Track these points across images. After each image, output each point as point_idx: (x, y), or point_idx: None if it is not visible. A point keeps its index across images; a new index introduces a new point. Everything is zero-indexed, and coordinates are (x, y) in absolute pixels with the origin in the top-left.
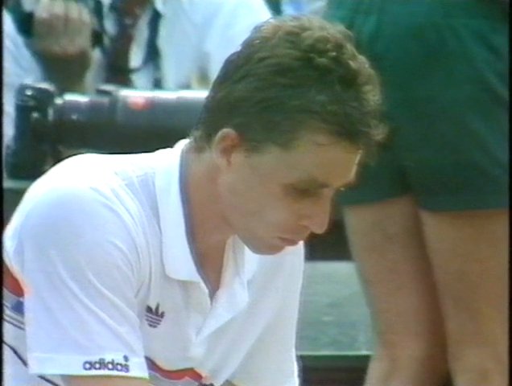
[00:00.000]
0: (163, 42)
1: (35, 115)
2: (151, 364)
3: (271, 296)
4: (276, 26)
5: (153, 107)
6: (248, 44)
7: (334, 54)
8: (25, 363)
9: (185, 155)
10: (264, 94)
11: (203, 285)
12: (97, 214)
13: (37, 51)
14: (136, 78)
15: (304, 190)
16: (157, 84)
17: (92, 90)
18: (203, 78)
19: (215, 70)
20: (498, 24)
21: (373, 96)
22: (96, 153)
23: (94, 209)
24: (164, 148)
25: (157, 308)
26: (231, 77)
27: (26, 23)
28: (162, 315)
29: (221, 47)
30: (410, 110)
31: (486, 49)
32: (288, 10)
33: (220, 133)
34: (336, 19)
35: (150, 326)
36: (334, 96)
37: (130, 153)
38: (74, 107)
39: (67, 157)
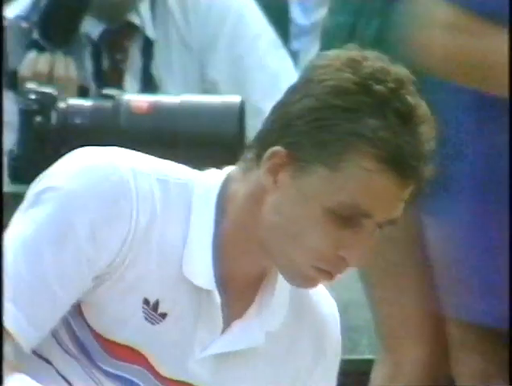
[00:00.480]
0: (158, 69)
1: (38, 119)
2: (150, 369)
3: (297, 358)
4: (339, 54)
5: (156, 111)
6: (309, 69)
7: (393, 85)
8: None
9: (230, 174)
10: (318, 114)
11: (217, 295)
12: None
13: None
14: None
15: (346, 218)
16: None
17: (95, 95)
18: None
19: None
20: None
21: (428, 137)
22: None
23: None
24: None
25: (155, 305)
26: (289, 99)
27: (12, 80)
28: (163, 316)
29: (228, 71)
30: None
31: None
32: (296, 12)
33: (269, 151)
34: (338, 24)
35: (147, 320)
36: (387, 125)
37: None
38: (77, 111)
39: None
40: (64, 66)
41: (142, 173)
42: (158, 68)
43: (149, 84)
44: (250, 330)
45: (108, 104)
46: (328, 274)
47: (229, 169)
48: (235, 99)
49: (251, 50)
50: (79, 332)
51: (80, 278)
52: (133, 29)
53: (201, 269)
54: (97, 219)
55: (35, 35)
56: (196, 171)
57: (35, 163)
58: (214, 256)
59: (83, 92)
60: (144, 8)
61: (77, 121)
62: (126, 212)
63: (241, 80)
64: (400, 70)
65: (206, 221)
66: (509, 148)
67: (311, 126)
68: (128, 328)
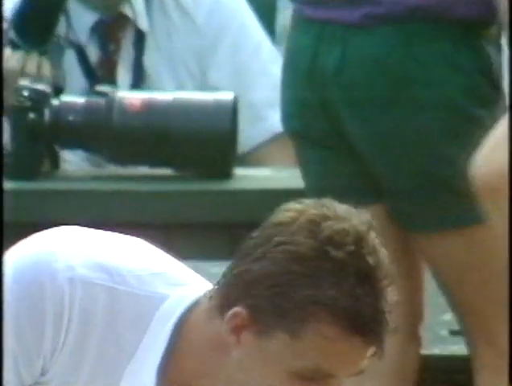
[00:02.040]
0: (151, 62)
1: (32, 116)
2: None
3: None
4: (299, 212)
5: (149, 108)
6: (270, 225)
7: (352, 248)
8: None
9: (199, 300)
10: (276, 280)
11: None
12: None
13: None
14: None
15: (310, 378)
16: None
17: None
18: None
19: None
20: (460, 43)
21: (388, 292)
22: (91, 153)
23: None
24: (160, 149)
25: None
26: (250, 254)
27: None
28: None
29: (231, 77)
30: (380, 139)
31: (451, 70)
32: (283, 4)
33: (231, 312)
34: (301, 46)
35: None
36: (347, 291)
37: (125, 154)
38: (70, 108)
39: (61, 158)
40: (37, 64)
41: (86, 281)
42: (150, 61)
43: (140, 76)
44: None
45: (101, 101)
46: None
47: (203, 289)
48: (228, 96)
49: (255, 57)
50: None
51: (19, 380)
52: (125, 20)
53: None
54: (25, 328)
55: (11, 34)
56: (180, 277)
57: (27, 160)
58: (159, 378)
59: (57, 92)
60: (138, 0)
61: (70, 117)
62: (55, 324)
63: (243, 85)
64: (361, 222)
65: (159, 342)
66: (509, 147)
67: (271, 292)
68: None
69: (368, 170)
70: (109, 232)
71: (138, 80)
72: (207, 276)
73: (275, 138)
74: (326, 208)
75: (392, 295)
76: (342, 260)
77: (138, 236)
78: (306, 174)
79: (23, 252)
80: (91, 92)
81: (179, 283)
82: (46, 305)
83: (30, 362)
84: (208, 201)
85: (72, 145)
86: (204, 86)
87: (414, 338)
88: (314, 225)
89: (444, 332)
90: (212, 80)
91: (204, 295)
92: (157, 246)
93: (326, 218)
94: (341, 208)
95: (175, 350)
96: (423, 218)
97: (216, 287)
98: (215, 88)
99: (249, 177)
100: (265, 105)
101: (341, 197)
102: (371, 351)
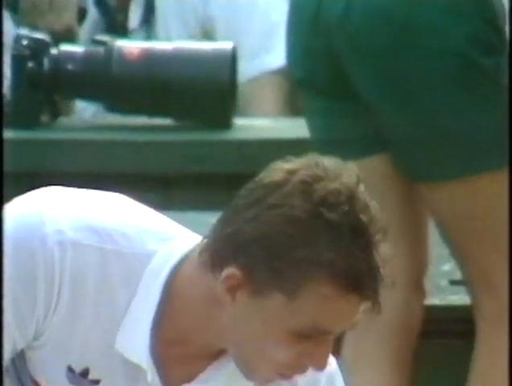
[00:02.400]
0: (161, 1)
1: (31, 64)
2: None
3: None
4: (290, 172)
5: (148, 58)
6: (260, 185)
7: (346, 208)
8: None
9: (188, 255)
10: (272, 241)
11: (150, 375)
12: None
13: (23, 27)
14: (134, 37)
15: (306, 335)
16: (151, 36)
17: (88, 40)
18: (207, 39)
19: (219, 34)
20: None
21: (382, 245)
22: (90, 102)
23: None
24: (159, 99)
25: (84, 372)
26: (241, 213)
27: (13, 3)
28: (96, 382)
29: (226, 12)
30: (385, 88)
31: (454, 18)
32: None
33: (225, 272)
34: (303, 2)
35: (72, 384)
36: (343, 250)
37: (125, 103)
38: (69, 57)
39: (62, 106)
40: None
41: (75, 243)
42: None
43: (149, 14)
44: None
45: (100, 50)
46: (288, 376)
47: (191, 243)
48: (227, 46)
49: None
50: (19, 368)
51: (12, 343)
52: None
53: (137, 347)
54: (18, 293)
55: None
56: (165, 227)
57: (27, 108)
58: (154, 334)
59: (82, 15)
60: None
61: (69, 67)
62: (46, 288)
63: (239, 22)
64: (350, 177)
65: (151, 298)
66: (510, 147)
67: (266, 253)
68: None
69: (373, 120)
70: (92, 190)
71: (147, 18)
72: (207, 226)
73: (263, 76)
74: (316, 167)
75: (386, 249)
76: (337, 221)
77: (136, 186)
78: (311, 124)
79: (10, 218)
80: (90, 41)
81: (167, 238)
82: (37, 270)
83: (23, 326)
84: (208, 151)
85: (71, 94)
86: (204, 19)
87: (418, 288)
88: (306, 186)
89: (444, 282)
90: (210, 10)
91: (194, 249)
92: (155, 196)
93: (318, 178)
94: (331, 165)
95: (168, 305)
96: (426, 167)
97: (205, 241)
98: (211, 20)
99: (248, 127)
100: (257, 47)
101: (346, 147)
102: (367, 305)
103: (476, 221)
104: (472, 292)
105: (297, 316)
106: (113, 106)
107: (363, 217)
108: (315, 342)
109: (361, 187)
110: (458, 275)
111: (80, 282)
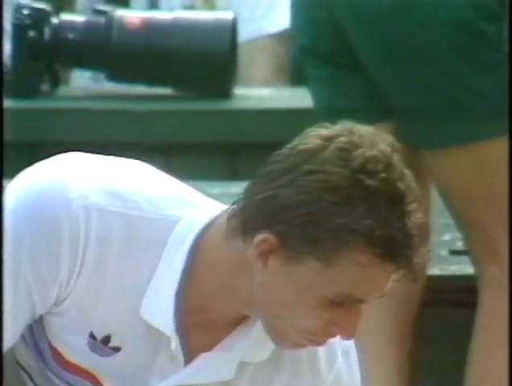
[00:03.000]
0: None
1: (32, 34)
2: (95, 382)
3: None
4: (326, 139)
5: (149, 27)
6: (295, 151)
7: (384, 175)
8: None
9: (214, 221)
10: (309, 209)
11: (174, 343)
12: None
13: None
14: (136, 7)
15: (339, 303)
16: (154, 6)
17: (88, 10)
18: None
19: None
20: None
21: (417, 213)
22: (91, 71)
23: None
24: (160, 68)
25: (106, 339)
26: (276, 180)
27: None
28: (116, 350)
29: None
30: (387, 56)
31: None
32: None
33: (259, 237)
34: None
35: (93, 352)
36: (380, 218)
37: (125, 72)
38: (70, 26)
39: (63, 76)
40: None
41: (100, 209)
42: None
43: None
44: (218, 363)
45: (100, 19)
46: (317, 343)
47: (217, 210)
48: (228, 15)
49: None
50: (37, 333)
51: (31, 308)
52: None
53: (161, 314)
54: (41, 256)
55: None
56: (188, 196)
57: (27, 77)
58: (178, 301)
59: None
60: None
61: (70, 36)
62: (71, 252)
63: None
64: (386, 145)
65: (176, 264)
66: (510, 146)
67: (303, 220)
68: (76, 353)
69: (376, 88)
70: (113, 157)
71: None
72: (207, 196)
73: (259, 40)
74: (353, 134)
75: (420, 218)
76: (375, 188)
77: (136, 156)
78: (314, 93)
79: (35, 182)
80: (90, 10)
81: (191, 204)
82: (62, 235)
83: (45, 290)
84: (208, 121)
85: (71, 63)
86: None
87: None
88: (345, 153)
89: (444, 252)
90: None
91: (220, 216)
92: (156, 166)
93: (356, 145)
94: (366, 132)
95: (193, 272)
96: (428, 135)
97: (233, 208)
98: None
99: (248, 96)
100: (255, 11)
101: (350, 116)
102: (400, 273)
103: (479, 188)
104: (475, 261)
105: (331, 283)
106: (113, 75)
107: (400, 185)
108: (346, 310)
109: (396, 155)
110: (458, 245)
111: (105, 248)
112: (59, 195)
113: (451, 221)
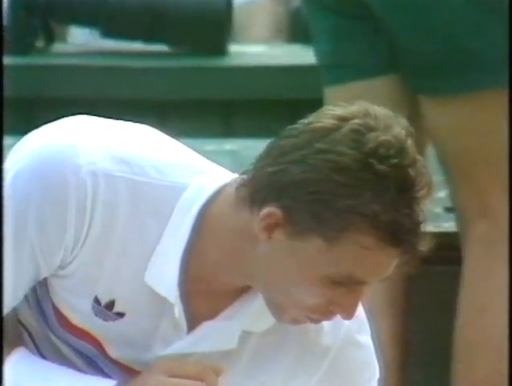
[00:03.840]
0: None
1: None
2: (100, 350)
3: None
4: (341, 119)
5: None
6: (311, 128)
7: (395, 161)
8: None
9: (221, 190)
10: (318, 187)
11: (178, 310)
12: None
13: None
14: None
15: (340, 282)
16: None
17: None
18: None
19: None
20: None
21: (424, 201)
22: (86, 28)
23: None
24: (155, 24)
25: (110, 304)
26: (287, 155)
27: None
28: (120, 315)
29: None
30: (398, 2)
31: None
32: None
33: (266, 210)
34: None
35: (97, 317)
36: (388, 203)
37: (120, 29)
38: None
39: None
40: None
41: (107, 174)
42: None
43: None
44: (221, 331)
45: None
46: (316, 321)
47: (225, 178)
48: None
49: None
50: (40, 295)
51: (35, 270)
52: None
53: (165, 280)
54: (47, 220)
55: None
56: (197, 162)
57: (22, 34)
58: (182, 269)
59: None
60: None
61: None
62: (77, 217)
63: None
64: (401, 129)
65: (182, 232)
66: (509, 145)
67: (311, 198)
68: (80, 316)
69: (383, 39)
70: (121, 121)
71: None
72: (201, 154)
73: (258, 1)
74: (368, 116)
75: (428, 204)
76: (385, 173)
77: (131, 112)
78: (318, 45)
79: (43, 146)
80: None
81: (198, 171)
82: (69, 198)
83: (49, 254)
84: (203, 78)
85: (66, 19)
86: None
87: None
88: (358, 135)
89: (439, 209)
90: None
91: (228, 184)
92: (151, 123)
93: (370, 128)
94: (382, 115)
95: (198, 240)
96: (436, 82)
97: (243, 177)
98: None
99: (244, 53)
100: None
101: (353, 67)
102: (404, 259)
103: (478, 138)
104: (463, 216)
105: (334, 263)
106: (108, 32)
107: (411, 172)
108: (347, 291)
109: (410, 140)
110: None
111: (111, 213)
112: (68, 159)
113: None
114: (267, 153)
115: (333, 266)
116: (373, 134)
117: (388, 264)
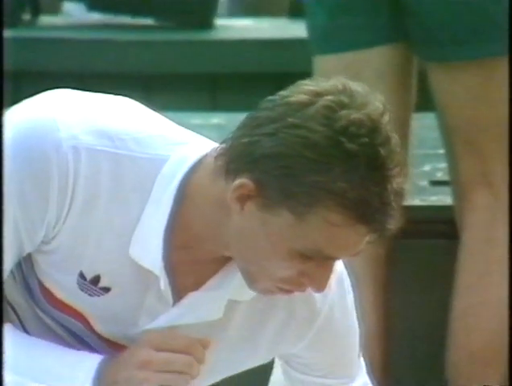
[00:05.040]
0: None
1: None
2: (87, 326)
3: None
4: (315, 94)
5: None
6: (285, 102)
7: (366, 140)
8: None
9: (202, 160)
10: (287, 162)
11: (163, 282)
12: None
13: None
14: None
15: (309, 256)
16: None
17: None
18: None
19: None
20: None
21: (397, 180)
22: (72, 1)
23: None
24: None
25: (95, 279)
26: (261, 127)
27: None
28: (106, 290)
29: None
30: None
31: None
32: None
33: (239, 181)
34: None
35: (83, 291)
36: (357, 181)
37: (107, 2)
38: None
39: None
40: None
41: (89, 148)
42: None
43: None
44: (207, 301)
45: None
46: (288, 292)
47: (206, 148)
48: None
49: None
50: (26, 270)
51: (19, 246)
52: None
53: (149, 253)
54: (29, 196)
55: None
56: (177, 133)
57: (8, 6)
58: (166, 241)
59: None
60: None
61: None
62: (60, 193)
63: None
64: (376, 108)
65: (164, 204)
66: (509, 144)
67: (280, 172)
68: (65, 292)
69: (385, 7)
70: (101, 94)
71: None
72: (188, 128)
73: None
74: (343, 93)
75: (400, 183)
76: (355, 152)
77: (117, 86)
78: (313, 15)
79: (23, 120)
80: None
81: (179, 142)
82: (51, 173)
83: (32, 228)
84: (190, 52)
85: None
86: None
87: None
88: (330, 112)
89: (425, 183)
90: None
91: (209, 154)
92: (137, 97)
93: (343, 105)
94: (357, 91)
95: (181, 211)
96: (449, 48)
97: (222, 147)
98: None
99: (230, 27)
100: None
101: (351, 37)
102: (374, 236)
103: (486, 106)
104: (464, 186)
105: (302, 238)
106: (96, 5)
107: (382, 151)
108: (318, 265)
109: (385, 118)
110: (438, 175)
111: (94, 188)
112: (49, 133)
113: (431, 152)
114: (244, 123)
115: (302, 241)
116: (345, 112)
117: (357, 241)
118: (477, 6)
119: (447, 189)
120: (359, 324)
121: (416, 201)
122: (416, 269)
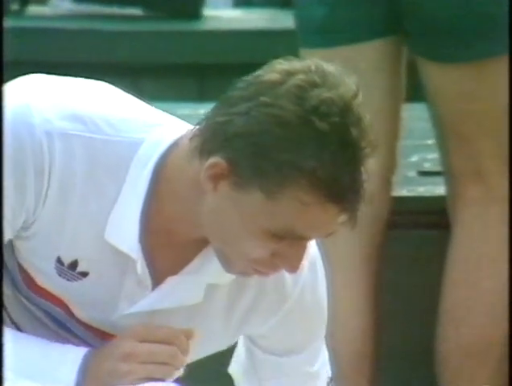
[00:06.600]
0: None
1: None
2: (67, 311)
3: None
4: (287, 73)
5: None
6: (258, 81)
7: (336, 119)
8: None
9: (178, 142)
10: (258, 140)
11: (140, 265)
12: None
13: None
14: None
15: (282, 236)
16: None
17: None
18: None
19: None
20: None
21: (368, 161)
22: None
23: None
24: None
25: (73, 264)
26: (234, 106)
27: None
28: (84, 275)
29: None
30: None
31: None
32: None
33: (211, 160)
34: None
35: (61, 277)
36: (327, 160)
37: None
38: None
39: None
40: None
41: (63, 133)
42: None
43: None
44: (186, 286)
45: None
46: (263, 273)
47: (182, 129)
48: None
49: None
50: (6, 256)
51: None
52: None
53: (126, 236)
54: (6, 181)
55: None
56: (152, 115)
57: None
58: (142, 224)
59: None
60: None
61: None
62: (36, 179)
63: None
64: (348, 88)
65: (140, 187)
66: (509, 144)
67: (251, 150)
68: (44, 277)
69: (383, 3)
70: (75, 79)
71: None
72: (176, 117)
73: None
74: (315, 73)
75: (371, 164)
76: (326, 131)
77: (105, 76)
78: (307, 8)
79: None
80: None
81: (154, 124)
82: (26, 160)
83: (12, 216)
84: (178, 42)
85: None
86: None
87: (387, 182)
88: (301, 91)
89: (413, 173)
90: None
91: (184, 136)
92: (124, 87)
93: (314, 84)
94: (330, 72)
95: (156, 193)
96: (451, 48)
97: (197, 128)
98: None
99: (218, 17)
100: None
101: (347, 32)
102: (344, 217)
103: (483, 104)
104: (457, 180)
105: (274, 217)
106: None
107: (353, 130)
108: (290, 245)
109: (358, 100)
110: (426, 166)
111: (69, 174)
112: (22, 119)
113: (419, 142)
114: (219, 103)
115: (274, 220)
116: (316, 91)
117: (329, 221)
118: (479, 7)
119: (435, 179)
120: (329, 308)
121: (404, 192)
122: (403, 260)
